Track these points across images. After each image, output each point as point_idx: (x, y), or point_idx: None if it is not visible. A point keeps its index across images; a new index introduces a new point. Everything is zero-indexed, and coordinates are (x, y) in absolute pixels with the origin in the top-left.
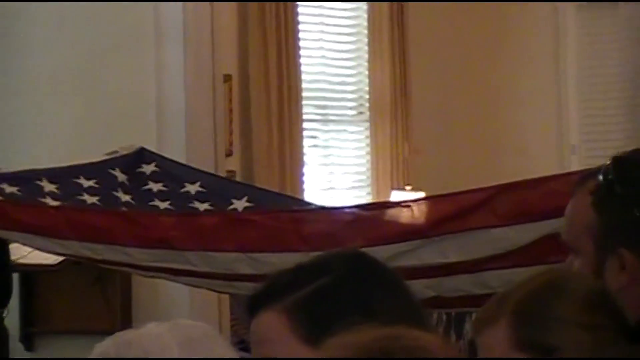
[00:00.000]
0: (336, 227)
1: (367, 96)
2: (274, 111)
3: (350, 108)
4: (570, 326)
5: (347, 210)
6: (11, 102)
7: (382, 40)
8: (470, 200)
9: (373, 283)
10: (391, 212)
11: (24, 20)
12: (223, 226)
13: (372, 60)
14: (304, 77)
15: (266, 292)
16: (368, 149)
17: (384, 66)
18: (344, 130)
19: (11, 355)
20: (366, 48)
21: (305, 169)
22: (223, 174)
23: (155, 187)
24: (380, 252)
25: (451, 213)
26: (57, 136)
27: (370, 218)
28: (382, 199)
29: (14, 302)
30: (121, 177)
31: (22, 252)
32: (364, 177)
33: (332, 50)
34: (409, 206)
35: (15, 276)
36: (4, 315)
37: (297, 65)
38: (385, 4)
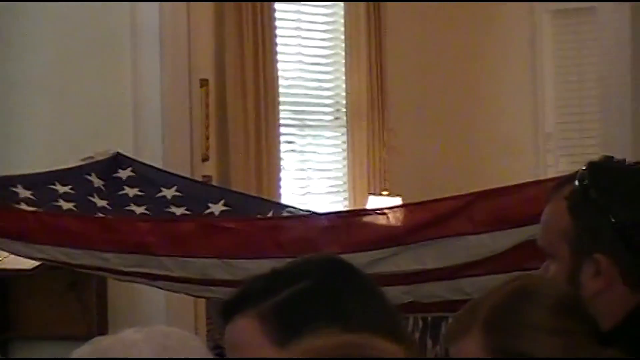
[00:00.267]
0: (312, 234)
1: (344, 101)
2: (250, 116)
3: (327, 113)
4: (542, 332)
5: (323, 216)
6: None
7: (359, 45)
8: (446, 208)
9: (348, 289)
10: (368, 219)
11: None
12: (199, 232)
13: (349, 65)
14: (281, 82)
15: (241, 298)
16: (345, 154)
17: (361, 71)
18: (321, 135)
19: None
20: (343, 53)
21: (282, 174)
22: (199, 179)
23: (131, 192)
24: (356, 259)
25: (428, 220)
26: (32, 142)
27: (347, 225)
28: (359, 204)
29: None
30: (97, 182)
31: None
32: (340, 182)
33: (309, 55)
34: (385, 213)
35: None
36: None
37: (274, 70)
38: (362, 6)
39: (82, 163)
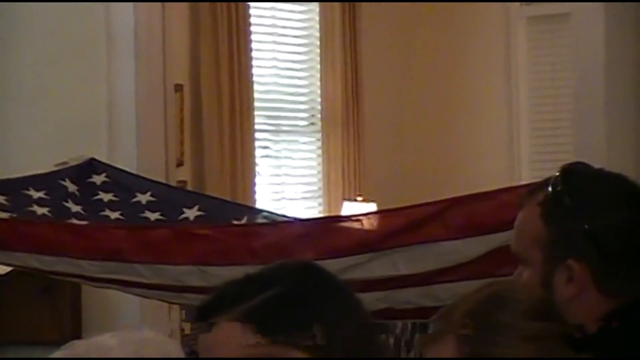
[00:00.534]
0: (286, 241)
1: (319, 107)
2: (225, 121)
3: (302, 119)
4: (516, 338)
5: (297, 223)
6: None
7: (334, 50)
8: (420, 214)
9: (322, 293)
10: (342, 226)
11: None
12: (174, 239)
13: (324, 71)
14: (256, 87)
15: (215, 303)
16: (320, 159)
17: (336, 77)
18: (296, 141)
19: None
20: (318, 58)
21: (256, 179)
22: (174, 184)
23: (106, 197)
24: (330, 265)
25: (402, 226)
26: (5, 147)
27: (321, 231)
28: (333, 210)
29: None
30: (71, 187)
31: None
32: (315, 187)
33: (284, 60)
34: (359, 220)
35: None
36: None
37: (249, 76)
38: (337, 6)
39: (56, 168)
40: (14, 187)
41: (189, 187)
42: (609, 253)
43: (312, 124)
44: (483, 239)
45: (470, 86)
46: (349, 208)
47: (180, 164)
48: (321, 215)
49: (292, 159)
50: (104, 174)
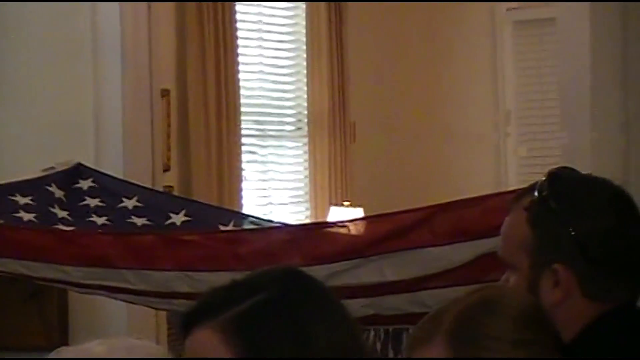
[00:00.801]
0: (273, 247)
1: (305, 112)
2: (212, 126)
3: (289, 123)
4: (505, 344)
5: (284, 229)
6: None
7: (320, 55)
8: (407, 219)
9: (307, 300)
10: (329, 232)
11: None
12: (161, 245)
13: (310, 76)
14: (242, 92)
15: (200, 310)
16: (306, 164)
17: (323, 81)
18: (283, 146)
19: None
20: (304, 63)
21: (243, 184)
22: (161, 189)
23: (92, 202)
24: (318, 272)
25: (389, 232)
26: None
27: (308, 237)
28: (320, 215)
29: None
30: (58, 193)
31: None
32: (302, 192)
33: (270, 65)
34: (346, 226)
35: None
36: None
37: (236, 81)
38: (323, 6)
39: (43, 174)
40: (0, 193)
41: (176, 192)
42: (594, 258)
43: (299, 128)
44: (470, 245)
45: (457, 90)
46: (335, 213)
47: (166, 169)
48: (308, 220)
49: (279, 163)
50: (90, 179)
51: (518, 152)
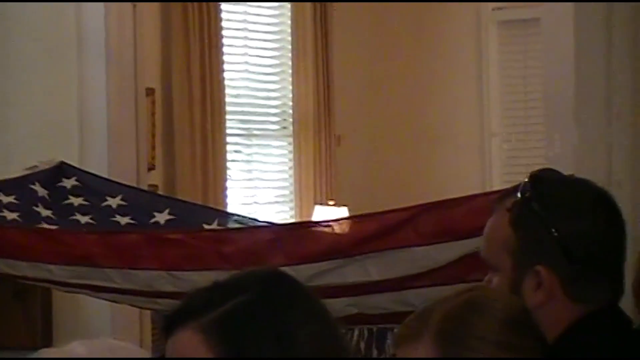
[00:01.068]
0: (258, 246)
1: (290, 111)
2: (197, 125)
3: (274, 122)
4: (492, 346)
5: (269, 228)
6: None
7: (306, 54)
8: (392, 219)
9: (289, 302)
10: (313, 232)
11: None
12: (145, 244)
13: (295, 75)
14: (227, 91)
15: (183, 311)
16: (291, 163)
17: (308, 81)
18: (268, 145)
19: None
20: (290, 63)
21: (228, 184)
22: (145, 188)
23: (76, 201)
24: (303, 271)
25: (374, 232)
26: None
27: (293, 237)
28: (305, 214)
29: None
30: (41, 191)
31: None
32: (287, 191)
33: (255, 64)
34: (331, 225)
35: None
36: None
37: (221, 79)
38: (309, 6)
39: (27, 172)
40: None
41: (161, 191)
42: (577, 259)
43: (284, 127)
44: (454, 245)
45: (442, 90)
46: (320, 212)
47: (151, 168)
48: (293, 219)
49: (264, 163)
50: (74, 178)
51: (503, 152)
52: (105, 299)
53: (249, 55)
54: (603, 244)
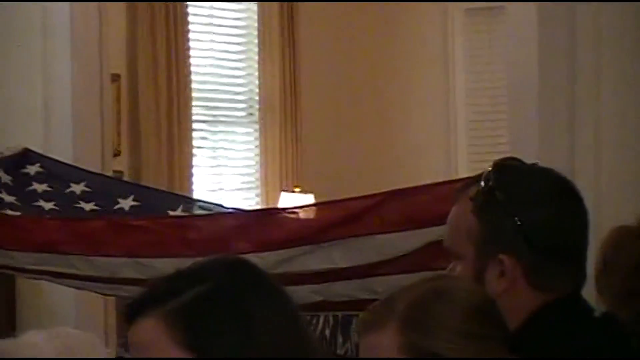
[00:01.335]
0: (223, 233)
1: (257, 98)
2: (162, 112)
3: (240, 109)
4: (457, 335)
5: (234, 215)
6: None
7: (272, 42)
8: (357, 207)
9: (251, 290)
10: (278, 218)
11: None
12: (109, 230)
13: (262, 62)
14: (193, 77)
15: (145, 299)
16: (257, 150)
17: (274, 68)
18: (234, 132)
19: None
20: (256, 49)
21: (194, 170)
22: (110, 175)
23: (39, 187)
24: (268, 258)
25: (338, 219)
26: None
27: (257, 224)
28: (271, 201)
29: None
30: (5, 178)
31: None
32: (252, 178)
33: (222, 51)
34: (296, 212)
35: None
36: None
37: (187, 66)
38: (276, 4)
39: None
40: None
41: (126, 178)
42: (539, 248)
43: (250, 114)
44: (419, 233)
45: (408, 79)
46: (286, 199)
47: (116, 154)
48: (258, 206)
49: (230, 150)
50: (37, 164)
51: (468, 140)
52: (69, 286)
53: (215, 42)
54: (566, 233)
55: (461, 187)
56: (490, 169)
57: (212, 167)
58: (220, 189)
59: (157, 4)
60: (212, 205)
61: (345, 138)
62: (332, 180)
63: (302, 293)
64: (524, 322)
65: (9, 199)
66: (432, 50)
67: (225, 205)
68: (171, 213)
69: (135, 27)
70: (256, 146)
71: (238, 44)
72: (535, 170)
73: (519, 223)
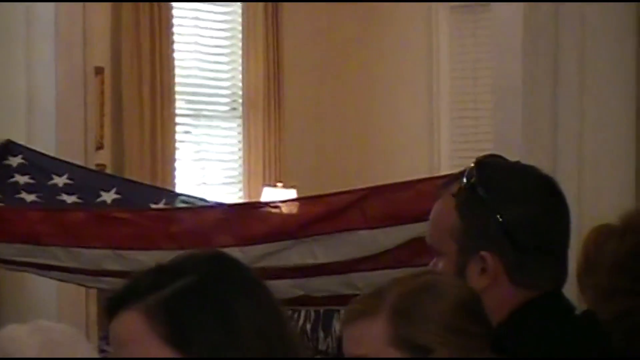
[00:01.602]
0: (205, 226)
1: (240, 92)
2: (146, 105)
3: (223, 104)
4: (438, 327)
5: (216, 208)
6: None
7: (256, 37)
8: (339, 202)
9: (233, 284)
10: (261, 212)
11: None
12: (91, 223)
13: (246, 57)
14: (177, 71)
15: (126, 293)
16: (240, 145)
17: (258, 62)
18: (217, 126)
19: None
20: (240, 44)
21: (177, 164)
22: (93, 168)
23: (22, 179)
24: (249, 252)
25: (321, 214)
26: None
27: (240, 218)
28: (254, 196)
29: None
30: None
31: None
32: (236, 173)
33: (206, 45)
34: (278, 207)
35: None
36: None
37: (171, 60)
38: (260, 3)
39: None
40: None
41: (109, 171)
42: (521, 245)
43: (234, 109)
44: (401, 229)
45: (392, 75)
46: (269, 194)
47: (100, 147)
48: (241, 200)
49: (213, 144)
50: (20, 156)
51: (452, 137)
52: (52, 278)
53: (200, 36)
54: (547, 231)
55: (443, 183)
56: (472, 165)
57: (195, 161)
58: (203, 183)
59: None
60: (194, 199)
61: (328, 134)
62: (315, 176)
63: (283, 287)
64: (506, 319)
65: None
66: (417, 47)
67: (208, 199)
68: (153, 206)
69: (120, 19)
70: (239, 141)
71: (222, 38)
72: (517, 168)
73: (500, 220)
